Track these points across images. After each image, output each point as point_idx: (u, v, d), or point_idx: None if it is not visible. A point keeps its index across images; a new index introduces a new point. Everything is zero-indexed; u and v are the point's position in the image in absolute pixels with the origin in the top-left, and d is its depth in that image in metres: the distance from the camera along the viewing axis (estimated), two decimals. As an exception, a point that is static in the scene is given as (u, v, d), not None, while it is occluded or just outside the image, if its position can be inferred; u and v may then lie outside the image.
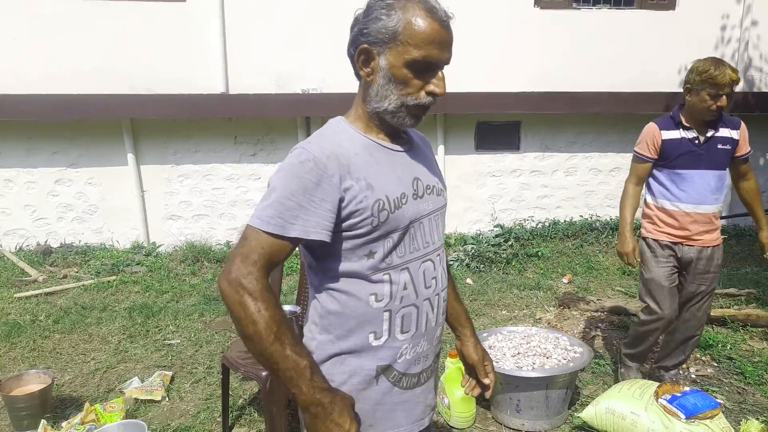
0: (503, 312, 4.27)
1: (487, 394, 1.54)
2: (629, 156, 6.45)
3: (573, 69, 6.07)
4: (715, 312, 3.98)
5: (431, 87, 1.21)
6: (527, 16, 6.02)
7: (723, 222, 6.35)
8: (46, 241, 5.79)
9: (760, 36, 6.24)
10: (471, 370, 1.54)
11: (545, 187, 6.49)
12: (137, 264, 5.26)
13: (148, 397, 3.09)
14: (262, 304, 1.09)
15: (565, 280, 4.93)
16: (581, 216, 6.40)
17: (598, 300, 4.30)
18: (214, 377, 3.34)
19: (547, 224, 6.22)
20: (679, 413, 2.48)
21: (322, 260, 1.23)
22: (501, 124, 6.30)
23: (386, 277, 1.22)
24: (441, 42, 1.18)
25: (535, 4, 6.01)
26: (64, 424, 2.73)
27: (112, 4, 5.59)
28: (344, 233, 1.19)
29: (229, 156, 6.11)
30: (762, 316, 3.92)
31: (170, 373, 3.36)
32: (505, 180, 6.43)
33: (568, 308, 4.27)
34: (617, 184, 6.52)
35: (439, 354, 1.41)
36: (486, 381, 1.51)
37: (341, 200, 1.16)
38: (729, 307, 4.15)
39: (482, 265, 5.22)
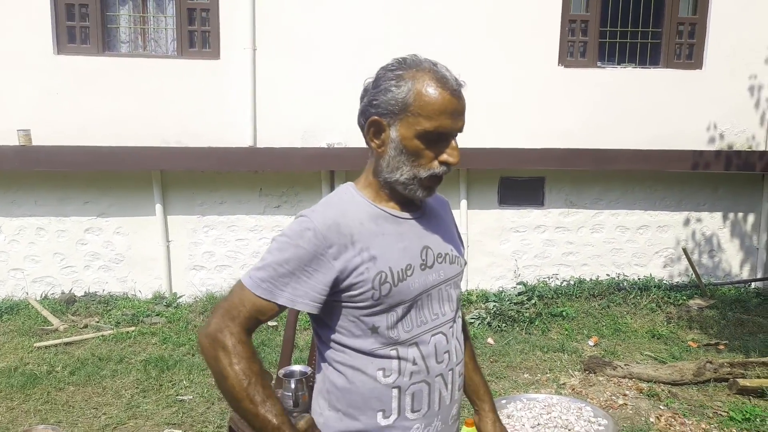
0: (525, 375, 4.10)
1: None
2: (656, 213, 6.40)
3: (598, 126, 6.05)
4: (752, 382, 3.76)
5: (445, 157, 1.19)
6: (551, 74, 6.08)
7: (759, 284, 6.12)
8: (71, 290, 5.88)
9: (791, 95, 6.14)
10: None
11: (570, 244, 6.36)
12: (157, 315, 5.27)
13: (156, 457, 3.02)
14: (234, 358, 1.09)
15: (591, 343, 4.74)
16: (608, 275, 6.23)
17: (626, 365, 4.11)
18: (224, 437, 3.26)
19: (572, 282, 6.06)
20: (713, 499, 2.29)
21: (326, 332, 1.21)
22: (525, 179, 6.26)
23: (393, 352, 1.18)
24: (453, 112, 1.16)
25: (559, 62, 6.07)
26: (68, 483, 2.68)
27: (150, 61, 5.87)
28: (344, 305, 1.17)
29: (254, 208, 6.19)
30: (804, 388, 3.68)
31: (180, 432, 3.29)
32: (529, 236, 6.34)
33: (594, 373, 4.09)
34: (645, 242, 6.36)
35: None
36: None
37: (340, 271, 1.14)
38: (766, 377, 3.91)
39: (504, 324, 5.07)
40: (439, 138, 1.17)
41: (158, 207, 6.04)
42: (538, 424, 2.71)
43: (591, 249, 6.36)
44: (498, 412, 2.88)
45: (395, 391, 1.18)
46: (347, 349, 1.19)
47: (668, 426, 3.36)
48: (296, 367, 2.69)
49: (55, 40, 5.81)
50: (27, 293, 5.88)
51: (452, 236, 1.35)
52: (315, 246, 1.13)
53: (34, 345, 4.54)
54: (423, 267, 1.22)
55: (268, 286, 1.13)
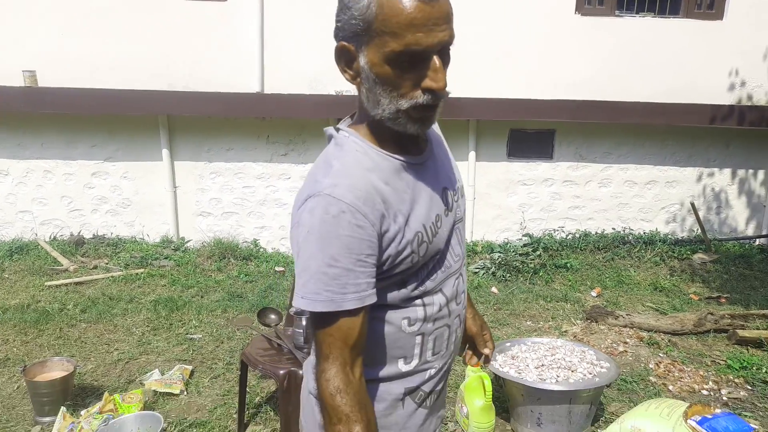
0: (528, 323, 4.17)
1: (485, 362, 1.47)
2: (666, 169, 6.34)
3: (612, 77, 5.93)
4: (751, 333, 3.82)
5: (426, 82, 0.96)
6: (567, 23, 5.91)
7: (763, 241, 6.12)
8: (79, 232, 5.94)
9: (813, 48, 5.97)
10: (470, 342, 1.47)
11: (577, 198, 6.34)
12: (165, 258, 5.34)
13: (167, 390, 3.12)
14: (334, 417, 0.97)
15: (593, 293, 4.79)
16: (613, 229, 6.23)
17: (627, 315, 4.16)
18: (233, 374, 3.35)
19: (577, 236, 6.07)
20: (710, 437, 2.36)
21: None
22: (535, 132, 6.19)
23: (419, 302, 1.10)
24: (426, 22, 0.91)
25: (576, 10, 5.89)
26: (83, 412, 2.77)
27: (158, 2, 5.72)
28: (379, 276, 1.02)
29: (261, 155, 6.16)
30: (803, 340, 3.73)
31: (190, 368, 3.38)
32: (537, 189, 6.31)
33: (596, 322, 4.15)
34: (652, 198, 6.33)
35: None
36: (486, 351, 1.44)
37: (383, 246, 1.00)
38: (766, 329, 3.96)
39: (508, 275, 5.12)
40: (413, 59, 0.94)
41: (165, 152, 6.02)
42: (542, 365, 2.77)
43: (598, 203, 6.34)
44: (510, 350, 2.89)
45: (419, 338, 1.11)
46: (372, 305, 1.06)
47: (667, 372, 3.43)
48: (305, 306, 2.73)
49: (59, -23, 5.66)
50: (36, 234, 5.94)
51: (453, 163, 1.22)
52: (359, 228, 0.95)
53: (45, 284, 4.63)
54: (447, 212, 1.12)
55: (330, 297, 0.96)
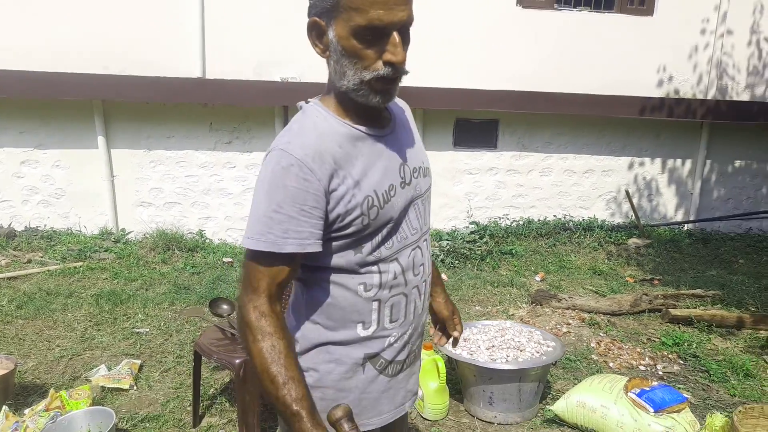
0: (477, 308, 4.29)
1: (453, 344, 1.58)
2: (602, 158, 6.65)
3: (552, 69, 6.13)
4: (682, 312, 4.09)
5: (387, 55, 1.05)
6: (509, 15, 6.06)
7: (691, 226, 6.55)
8: (10, 224, 5.59)
9: (734, 45, 6.40)
10: (441, 324, 1.55)
11: (520, 187, 6.55)
12: (105, 250, 5.12)
13: (116, 386, 3.01)
14: (258, 335, 1.05)
15: (537, 278, 4.99)
16: (555, 216, 6.49)
17: (569, 298, 4.35)
18: (184, 366, 3.28)
19: (521, 223, 6.28)
20: (648, 407, 2.53)
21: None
22: (479, 121, 6.33)
23: (375, 268, 1.17)
24: (388, 0, 1.01)
25: (517, 2, 6.05)
26: (26, 411, 2.64)
27: (88, -20, 5.43)
28: (332, 234, 1.11)
29: (204, 143, 5.99)
30: (726, 317, 4.03)
31: (138, 362, 3.28)
32: (482, 178, 6.47)
33: (541, 305, 4.32)
34: (590, 186, 6.63)
35: (422, 338, 1.38)
36: (455, 334, 1.54)
37: (328, 203, 1.08)
38: (695, 308, 4.25)
39: (457, 261, 5.24)
40: (375, 34, 1.03)
41: (101, 139, 5.75)
42: (493, 346, 2.86)
43: (540, 191, 6.57)
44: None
45: (375, 304, 1.18)
46: (328, 268, 1.15)
47: (607, 350, 3.63)
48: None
49: (-19, -49, 5.26)
50: (-40, 228, 5.56)
51: (420, 146, 1.29)
52: (304, 181, 1.04)
53: (-25, 279, 4.35)
54: (403, 185, 1.18)
55: (272, 239, 1.04)
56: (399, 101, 1.31)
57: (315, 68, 5.80)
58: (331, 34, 1.08)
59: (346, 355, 1.19)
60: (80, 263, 4.79)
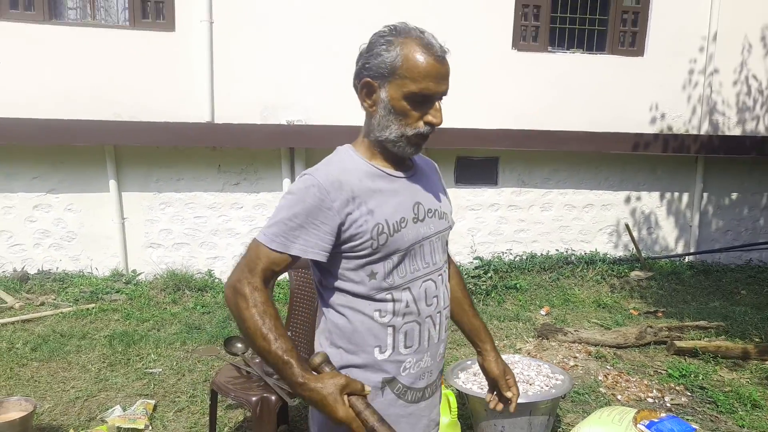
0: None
1: (511, 408, 1.62)
2: (600, 193, 6.78)
3: (549, 108, 6.34)
4: (687, 344, 4.15)
5: (429, 117, 1.30)
6: (505, 58, 6.30)
7: (692, 258, 6.64)
8: (23, 268, 5.69)
9: (722, 83, 6.63)
10: (493, 385, 1.62)
11: (522, 222, 6.67)
12: (117, 292, 5.20)
13: (131, 426, 3.06)
14: (251, 303, 1.21)
15: (542, 312, 5.05)
16: (557, 250, 6.59)
17: (575, 331, 4.42)
18: (198, 406, 3.33)
19: (524, 257, 6.38)
20: (658, 439, 2.57)
21: (329, 279, 1.32)
22: (480, 159, 6.50)
23: (389, 296, 1.31)
24: (437, 76, 1.27)
25: (512, 46, 6.30)
26: (46, 452, 2.69)
27: (101, 31, 5.67)
28: (345, 254, 1.29)
29: (212, 185, 6.14)
30: (731, 348, 4.09)
31: (153, 402, 3.33)
32: (484, 214, 6.60)
33: (547, 339, 4.38)
34: (590, 220, 6.75)
35: (442, 371, 1.48)
36: (508, 394, 1.60)
37: (341, 224, 1.26)
38: (700, 339, 4.31)
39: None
40: (424, 99, 1.28)
41: (112, 183, 5.90)
42: (504, 381, 2.92)
43: (541, 226, 6.69)
44: (471, 368, 3.08)
45: (390, 330, 1.32)
46: (348, 294, 1.31)
47: (615, 383, 3.68)
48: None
49: (-4, 6, 5.52)
50: (-25, 271, 5.66)
51: (441, 194, 1.48)
52: (320, 200, 1.24)
53: (-11, 323, 4.42)
54: (415, 220, 1.35)
55: (282, 240, 1.24)
56: (429, 160, 1.53)
57: (318, 111, 6.05)
58: (383, 94, 1.29)
59: (366, 379, 1.29)
60: (92, 305, 4.86)
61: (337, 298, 1.32)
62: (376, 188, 1.31)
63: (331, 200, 1.24)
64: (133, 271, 5.88)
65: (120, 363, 3.88)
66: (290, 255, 1.25)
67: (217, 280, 5.92)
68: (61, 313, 4.67)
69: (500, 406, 1.63)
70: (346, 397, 1.16)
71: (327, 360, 1.22)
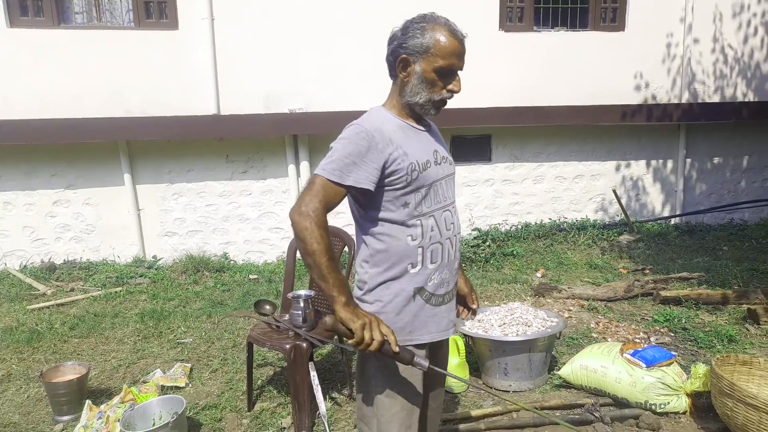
0: (485, 303, 4.71)
1: (474, 315, 2.06)
2: (589, 164, 7.14)
3: (537, 85, 6.66)
4: (671, 293, 4.51)
5: (452, 86, 1.68)
6: (494, 39, 6.61)
7: (677, 220, 7.00)
8: (50, 259, 6.02)
9: (702, 53, 6.96)
10: (462, 300, 2.02)
11: (516, 195, 7.02)
12: (140, 276, 5.54)
13: (173, 384, 3.41)
14: (323, 231, 1.51)
15: (538, 275, 5.42)
16: (550, 219, 6.95)
17: (569, 288, 4.78)
18: (230, 367, 3.68)
19: (519, 227, 6.74)
20: (641, 363, 2.95)
21: (369, 211, 1.66)
22: (474, 137, 6.83)
23: (418, 222, 1.66)
24: (459, 54, 1.64)
25: (499, 27, 6.61)
26: (102, 406, 3.03)
27: (108, 33, 5.96)
28: (386, 188, 1.62)
29: (221, 174, 6.47)
30: (712, 294, 4.46)
31: (189, 365, 3.68)
32: (480, 189, 6.94)
33: (543, 297, 4.75)
34: (580, 190, 7.11)
35: (456, 282, 1.84)
36: (473, 306, 2.04)
37: (385, 162, 1.59)
38: (683, 289, 4.68)
39: (464, 264, 5.67)
40: (448, 73, 1.65)
41: (127, 177, 6.22)
42: (504, 324, 3.29)
43: (534, 198, 7.04)
44: (476, 316, 3.44)
45: (420, 250, 1.66)
46: (386, 222, 1.64)
47: (605, 329, 4.05)
48: (302, 292, 3.18)
49: (7, 13, 5.79)
50: (6, 264, 5.98)
51: (447, 148, 1.87)
52: (368, 143, 1.56)
53: (27, 308, 4.74)
54: (436, 163, 1.70)
55: (339, 174, 1.54)
56: (434, 124, 1.90)
57: (319, 99, 6.36)
58: (417, 68, 1.64)
59: (402, 289, 1.66)
60: (119, 288, 5.20)
61: (376, 228, 1.66)
62: (407, 137, 1.66)
63: (376, 143, 1.56)
64: (154, 256, 6.22)
65: (153, 336, 4.23)
66: (345, 185, 1.54)
67: (232, 262, 6.26)
68: (92, 296, 5.01)
69: (465, 313, 2.05)
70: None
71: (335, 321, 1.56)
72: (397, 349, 1.52)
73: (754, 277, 5.06)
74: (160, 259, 6.17)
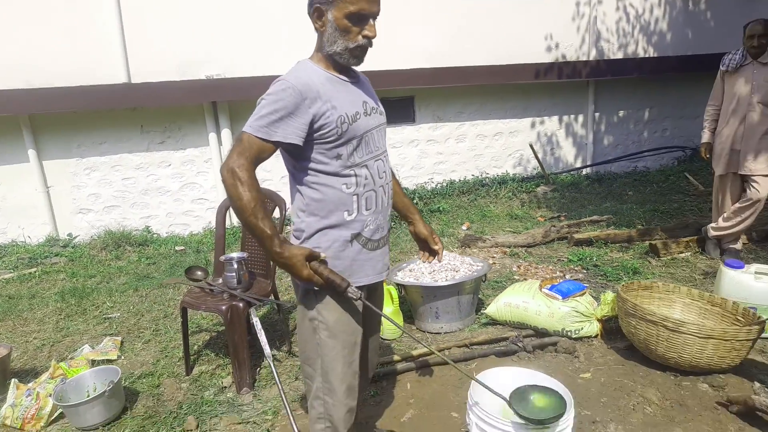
0: (415, 256, 4.86)
1: (439, 258, 2.10)
2: (507, 121, 7.40)
3: (457, 46, 6.79)
4: (583, 235, 4.86)
5: (366, 32, 1.65)
6: (412, 1, 6.64)
7: (588, 171, 7.47)
8: (-51, 244, 5.58)
9: (606, 12, 7.34)
10: (424, 244, 2.09)
11: (440, 154, 7.21)
12: (56, 255, 5.26)
13: (104, 357, 3.32)
14: (247, 187, 1.55)
15: (464, 228, 5.64)
16: (473, 176, 7.21)
17: (492, 238, 5.03)
18: (162, 336, 3.62)
19: (444, 185, 6.95)
20: (557, 296, 3.19)
21: (302, 162, 1.68)
22: (397, 99, 6.91)
23: (352, 172, 1.70)
24: None
25: (417, -11, 6.64)
26: (31, 383, 2.92)
27: (-3, -4, 5.47)
28: (316, 141, 1.65)
29: (137, 145, 6.19)
30: (619, 234, 4.84)
31: (119, 338, 3.58)
32: (405, 150, 7.06)
33: (469, 247, 4.97)
34: (500, 147, 7.39)
35: (389, 229, 1.91)
36: (436, 247, 2.09)
37: (313, 117, 1.61)
38: (594, 231, 5.05)
39: (393, 223, 5.80)
40: (361, 18, 1.63)
41: (31, 152, 5.82)
42: (434, 270, 3.44)
43: (458, 156, 7.26)
44: (407, 267, 3.53)
45: (355, 198, 1.71)
46: (320, 173, 1.68)
47: (526, 271, 4.32)
48: (234, 254, 3.16)
49: None
50: None
51: (377, 99, 1.87)
52: (295, 98, 1.58)
53: (-70, 295, 4.41)
54: (365, 114, 1.73)
55: (266, 130, 1.57)
56: (364, 76, 1.89)
57: (239, 65, 6.17)
58: (329, 16, 1.64)
59: (339, 235, 1.72)
60: (34, 269, 4.93)
61: (311, 178, 1.68)
62: (335, 89, 1.66)
63: (302, 98, 1.57)
64: (69, 234, 5.91)
65: (76, 314, 4.06)
66: (272, 141, 1.57)
67: (155, 236, 6.06)
68: (3, 279, 4.72)
69: (430, 258, 2.10)
70: (308, 263, 1.61)
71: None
72: (333, 274, 1.63)
73: (655, 216, 5.53)
74: (76, 237, 5.87)
